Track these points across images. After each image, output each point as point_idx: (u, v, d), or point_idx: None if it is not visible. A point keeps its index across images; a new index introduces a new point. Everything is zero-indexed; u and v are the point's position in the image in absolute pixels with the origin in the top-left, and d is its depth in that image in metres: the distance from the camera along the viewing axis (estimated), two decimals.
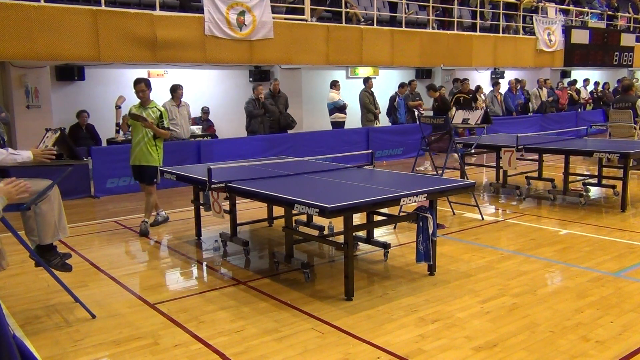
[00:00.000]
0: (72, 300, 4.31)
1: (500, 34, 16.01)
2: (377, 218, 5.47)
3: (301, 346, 3.67)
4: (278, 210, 6.37)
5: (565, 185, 8.10)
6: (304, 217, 6.37)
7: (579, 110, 17.59)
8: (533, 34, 16.64)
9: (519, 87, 15.75)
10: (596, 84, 18.95)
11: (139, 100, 6.77)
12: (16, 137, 9.49)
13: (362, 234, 5.69)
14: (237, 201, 5.89)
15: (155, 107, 6.74)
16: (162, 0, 10.06)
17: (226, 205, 5.58)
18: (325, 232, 6.19)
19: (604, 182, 8.59)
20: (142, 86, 6.67)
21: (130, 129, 7.07)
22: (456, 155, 7.91)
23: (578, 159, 11.25)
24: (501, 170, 8.87)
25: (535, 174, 9.07)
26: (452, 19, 14.92)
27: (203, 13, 10.17)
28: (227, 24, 10.42)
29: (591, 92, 18.64)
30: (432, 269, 5.04)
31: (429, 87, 12.02)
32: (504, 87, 16.14)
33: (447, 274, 5.05)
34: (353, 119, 13.11)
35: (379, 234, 6.29)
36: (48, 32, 8.70)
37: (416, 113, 12.50)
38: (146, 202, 6.85)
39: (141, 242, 6.51)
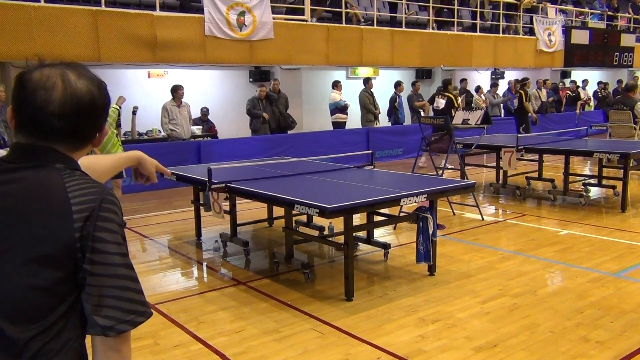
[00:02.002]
0: None
1: (500, 34, 16.00)
2: (377, 218, 5.47)
3: (301, 346, 3.67)
4: (278, 211, 6.37)
5: (566, 185, 8.10)
6: (304, 218, 6.36)
7: (577, 110, 17.55)
8: (533, 34, 16.63)
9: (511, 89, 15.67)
10: (599, 83, 18.89)
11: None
12: None
13: (362, 234, 5.68)
14: (237, 201, 5.88)
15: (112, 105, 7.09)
16: (162, 0, 10.05)
17: (226, 205, 5.57)
18: (325, 232, 6.19)
19: (604, 182, 8.58)
20: None
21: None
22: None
23: (579, 159, 11.24)
24: (501, 171, 8.86)
25: (536, 175, 9.07)
26: (451, 19, 14.91)
27: (203, 13, 10.16)
28: (227, 25, 10.41)
29: (595, 92, 18.60)
30: (432, 270, 5.03)
31: None
32: (502, 87, 16.09)
33: (447, 274, 5.05)
34: (353, 119, 13.11)
35: (379, 234, 6.28)
36: (48, 32, 8.69)
37: (422, 113, 12.49)
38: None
39: (141, 242, 6.51)
